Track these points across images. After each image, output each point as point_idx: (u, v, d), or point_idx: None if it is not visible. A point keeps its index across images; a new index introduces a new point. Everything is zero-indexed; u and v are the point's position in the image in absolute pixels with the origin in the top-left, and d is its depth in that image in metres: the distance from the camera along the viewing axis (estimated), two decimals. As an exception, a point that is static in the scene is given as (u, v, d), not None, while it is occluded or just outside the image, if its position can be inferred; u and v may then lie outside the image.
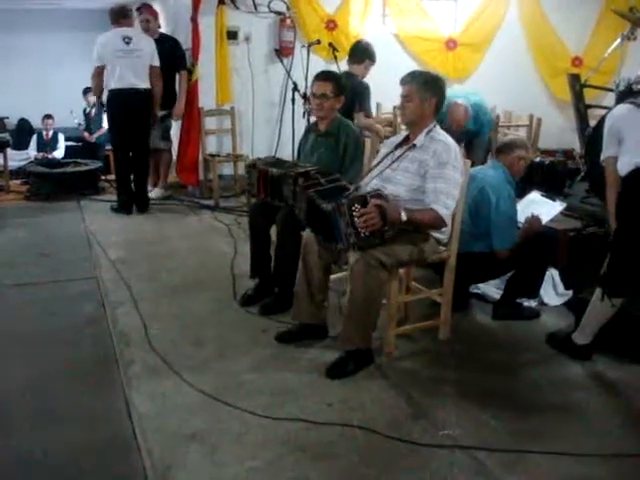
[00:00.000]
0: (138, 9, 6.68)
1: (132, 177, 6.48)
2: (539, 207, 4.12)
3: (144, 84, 6.23)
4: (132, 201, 6.44)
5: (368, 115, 5.76)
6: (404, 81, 3.45)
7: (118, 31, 6.20)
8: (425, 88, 3.39)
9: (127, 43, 6.14)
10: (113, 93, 6.19)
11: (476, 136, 5.75)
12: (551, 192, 4.55)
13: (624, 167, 3.20)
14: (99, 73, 6.21)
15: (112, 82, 6.15)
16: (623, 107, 3.34)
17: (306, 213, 3.39)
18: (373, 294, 3.20)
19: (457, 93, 5.68)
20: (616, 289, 3.22)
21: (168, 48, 6.61)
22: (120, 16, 6.27)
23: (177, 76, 6.80)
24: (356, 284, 3.19)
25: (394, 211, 3.16)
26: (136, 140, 6.37)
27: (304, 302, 3.54)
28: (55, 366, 3.36)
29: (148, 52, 6.25)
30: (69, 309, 4.09)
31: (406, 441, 2.71)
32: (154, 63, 6.29)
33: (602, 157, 3.38)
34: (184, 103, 6.86)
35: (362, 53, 5.78)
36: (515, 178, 3.95)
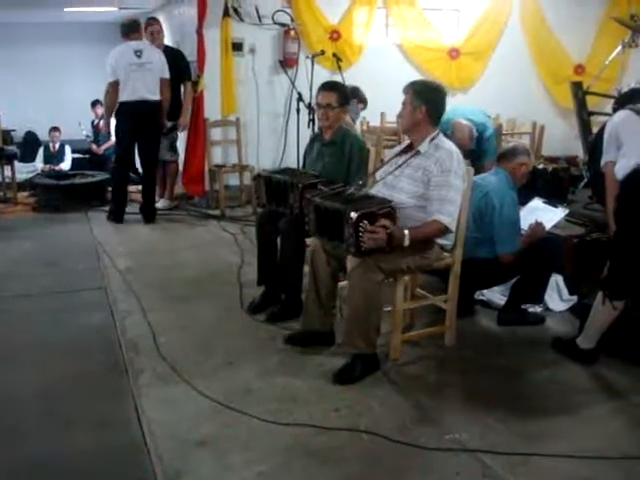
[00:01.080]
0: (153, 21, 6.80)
1: (141, 188, 6.66)
2: (542, 214, 4.15)
3: (154, 96, 6.34)
4: (124, 211, 6.60)
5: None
6: (403, 90, 3.54)
7: (130, 45, 6.31)
8: (417, 96, 3.45)
9: (139, 56, 6.26)
10: (124, 105, 6.28)
11: (479, 158, 5.66)
12: (554, 199, 4.58)
13: (621, 170, 3.26)
14: (115, 89, 6.29)
15: (124, 95, 6.26)
16: (623, 113, 3.40)
17: (315, 222, 3.44)
18: (372, 297, 3.24)
19: (463, 111, 5.68)
20: (617, 292, 3.26)
21: (172, 59, 6.69)
22: (131, 30, 6.39)
23: (182, 87, 6.87)
24: (354, 288, 3.25)
25: (399, 235, 3.19)
26: (146, 152, 6.49)
27: (313, 309, 3.58)
28: (65, 374, 3.40)
29: (159, 64, 6.36)
30: (79, 319, 4.14)
31: (413, 445, 2.74)
32: (164, 75, 6.41)
33: (602, 161, 3.44)
34: (190, 114, 6.93)
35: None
36: (517, 184, 4.00)
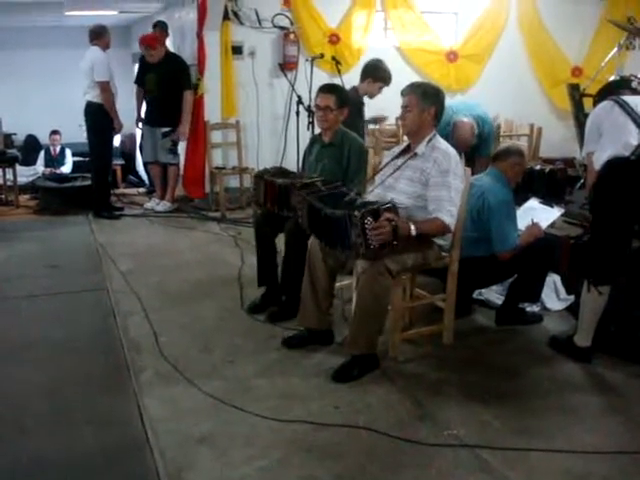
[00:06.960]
0: (147, 43, 6.89)
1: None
2: (538, 214, 4.19)
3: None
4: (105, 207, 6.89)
5: None
6: (404, 92, 3.57)
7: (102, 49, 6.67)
8: (424, 98, 3.49)
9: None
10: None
11: (478, 150, 5.54)
12: (552, 199, 4.62)
13: (599, 161, 3.30)
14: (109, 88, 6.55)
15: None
16: (605, 103, 3.43)
17: (308, 218, 3.48)
18: (380, 301, 3.28)
19: (459, 107, 5.65)
20: (600, 277, 3.33)
21: (175, 67, 6.79)
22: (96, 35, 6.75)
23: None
24: (364, 291, 3.26)
25: (404, 225, 3.23)
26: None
27: (310, 308, 3.61)
28: (68, 373, 3.45)
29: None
30: (81, 319, 4.18)
31: (411, 441, 2.78)
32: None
33: (584, 152, 3.48)
34: (188, 123, 6.99)
35: (364, 72, 5.68)
36: (512, 184, 4.03)
